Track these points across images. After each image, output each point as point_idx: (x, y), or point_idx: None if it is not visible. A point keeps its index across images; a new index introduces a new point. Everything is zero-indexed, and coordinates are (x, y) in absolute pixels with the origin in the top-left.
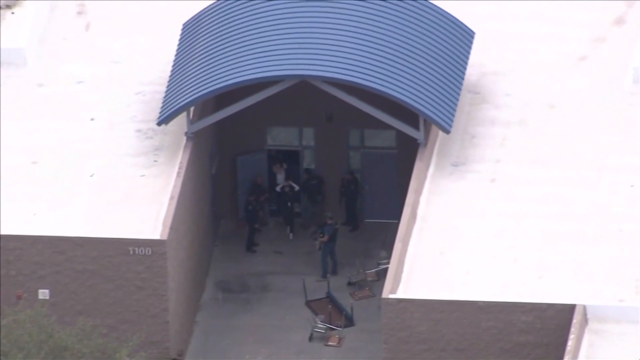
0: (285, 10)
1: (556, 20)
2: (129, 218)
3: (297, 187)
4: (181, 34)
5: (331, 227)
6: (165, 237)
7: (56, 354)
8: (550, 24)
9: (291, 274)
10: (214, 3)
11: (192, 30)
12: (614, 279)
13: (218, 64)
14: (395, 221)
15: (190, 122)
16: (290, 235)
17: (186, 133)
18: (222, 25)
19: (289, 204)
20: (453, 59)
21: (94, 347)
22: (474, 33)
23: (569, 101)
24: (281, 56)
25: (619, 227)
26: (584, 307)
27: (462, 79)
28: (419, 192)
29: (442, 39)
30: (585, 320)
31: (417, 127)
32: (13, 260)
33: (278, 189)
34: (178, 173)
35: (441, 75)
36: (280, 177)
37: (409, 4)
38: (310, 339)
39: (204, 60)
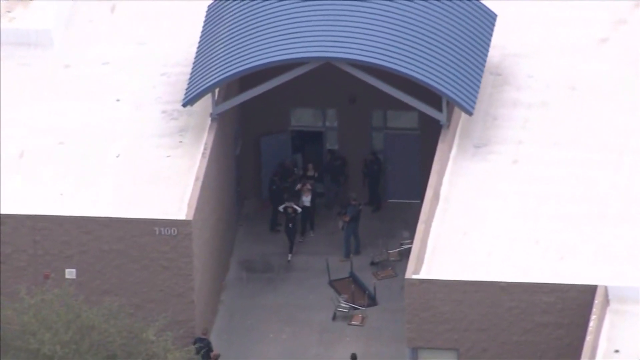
0: None
1: (577, 2)
2: (154, 198)
3: (299, 210)
4: (206, 16)
5: (354, 207)
6: (190, 218)
7: (83, 333)
8: (571, 6)
9: (314, 254)
10: None
11: (217, 11)
12: (635, 260)
13: (243, 46)
14: (417, 201)
15: (215, 104)
16: (289, 256)
17: (211, 114)
18: (247, 7)
19: (290, 225)
20: (475, 41)
21: (121, 326)
22: (496, 15)
23: (591, 83)
24: (306, 38)
25: None
26: (606, 287)
27: (485, 60)
28: (441, 174)
29: (464, 21)
30: (606, 301)
31: (439, 109)
32: (40, 239)
33: (281, 208)
34: (203, 154)
35: (464, 57)
36: (306, 199)
37: None
38: (334, 318)
39: (229, 41)
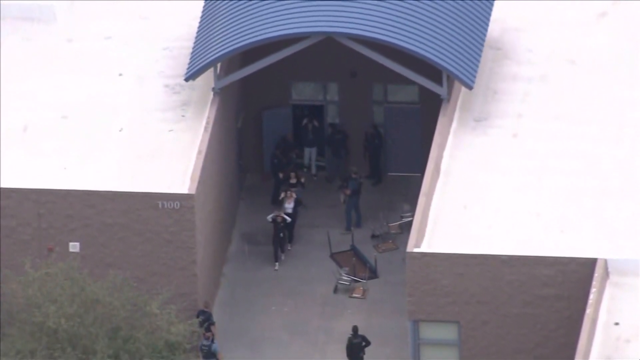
0: None
1: None
2: (157, 172)
3: (289, 219)
4: None
5: (355, 181)
6: (193, 191)
7: (88, 306)
8: None
9: (316, 227)
10: None
11: None
12: (635, 233)
13: (245, 21)
14: (418, 175)
15: (218, 78)
16: (277, 265)
17: (213, 88)
18: None
19: (281, 234)
20: (475, 15)
21: (125, 299)
22: None
23: (590, 57)
24: (307, 13)
25: None
26: (605, 261)
27: (485, 35)
28: (442, 147)
29: None
30: (606, 274)
31: (440, 83)
32: (44, 213)
33: (269, 218)
34: (205, 128)
35: (464, 31)
36: (289, 206)
37: None
38: (335, 290)
39: (232, 16)
